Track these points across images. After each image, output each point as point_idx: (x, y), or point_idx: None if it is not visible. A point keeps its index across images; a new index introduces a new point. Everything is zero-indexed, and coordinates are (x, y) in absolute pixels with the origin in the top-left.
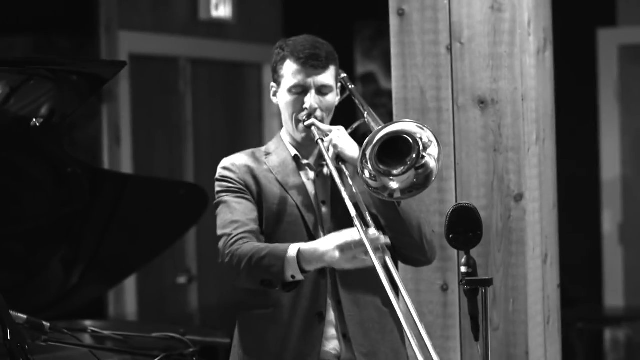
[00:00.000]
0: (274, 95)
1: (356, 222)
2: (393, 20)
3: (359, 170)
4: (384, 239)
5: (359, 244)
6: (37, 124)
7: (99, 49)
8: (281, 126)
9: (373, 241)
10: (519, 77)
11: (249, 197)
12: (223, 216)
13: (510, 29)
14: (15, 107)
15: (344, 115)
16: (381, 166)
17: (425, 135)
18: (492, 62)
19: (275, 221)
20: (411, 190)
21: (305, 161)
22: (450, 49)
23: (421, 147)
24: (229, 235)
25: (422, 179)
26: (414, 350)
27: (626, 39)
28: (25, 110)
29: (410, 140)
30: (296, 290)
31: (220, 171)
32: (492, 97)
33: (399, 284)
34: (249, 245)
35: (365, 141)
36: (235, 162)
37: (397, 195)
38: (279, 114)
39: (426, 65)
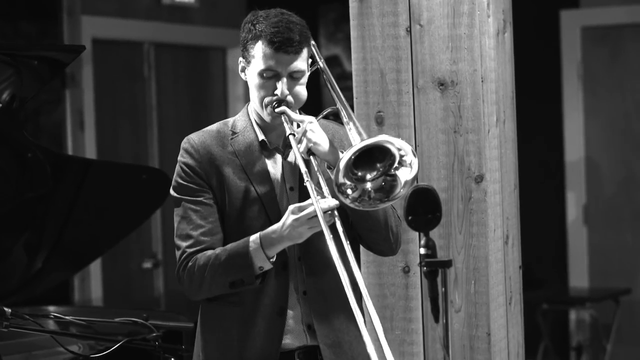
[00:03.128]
0: (242, 71)
1: (309, 187)
2: (352, 3)
3: (336, 180)
4: (334, 203)
5: (312, 210)
6: None
7: (62, 34)
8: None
9: (323, 204)
10: (479, 59)
11: (208, 196)
12: (179, 224)
13: (469, 10)
14: None
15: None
16: (357, 172)
17: (405, 152)
18: (451, 44)
19: (237, 217)
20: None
21: (273, 146)
22: (409, 31)
23: (396, 158)
24: (183, 252)
25: (388, 187)
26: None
27: (589, 21)
28: None
29: (386, 150)
30: (258, 289)
31: (182, 154)
32: (451, 79)
33: (348, 252)
34: (204, 256)
35: (343, 157)
36: (198, 147)
37: (374, 197)
38: (244, 98)
39: (386, 47)
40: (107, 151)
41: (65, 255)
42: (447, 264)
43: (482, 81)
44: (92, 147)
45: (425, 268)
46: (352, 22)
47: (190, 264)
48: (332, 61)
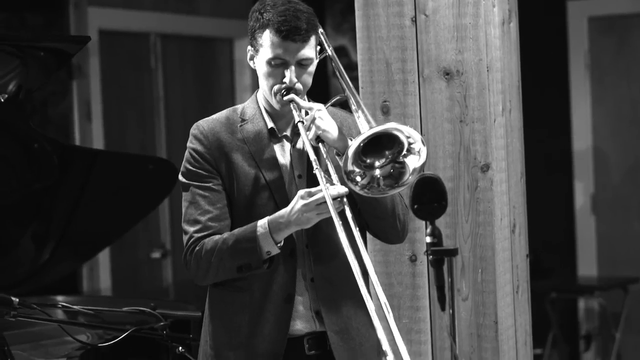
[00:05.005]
0: (251, 59)
1: (318, 174)
2: None
3: (345, 167)
4: (343, 190)
5: (321, 196)
6: (3, 100)
7: (69, 25)
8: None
9: (332, 190)
10: (484, 48)
11: (216, 182)
12: (187, 209)
13: (474, 0)
14: None
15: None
16: (366, 160)
17: (414, 139)
18: (456, 33)
19: (245, 204)
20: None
21: (282, 133)
22: (415, 20)
23: (405, 146)
24: (190, 237)
25: (397, 174)
26: (367, 307)
27: (596, 11)
28: None
29: (395, 137)
30: (266, 275)
31: (190, 140)
32: (457, 68)
33: (357, 239)
34: (211, 241)
35: (352, 144)
36: (207, 133)
37: (382, 185)
38: (252, 88)
39: (391, 37)
40: (114, 142)
41: (73, 245)
42: (453, 252)
43: (487, 70)
44: (99, 138)
45: (431, 256)
46: (358, 12)
47: (197, 248)
48: (339, 52)
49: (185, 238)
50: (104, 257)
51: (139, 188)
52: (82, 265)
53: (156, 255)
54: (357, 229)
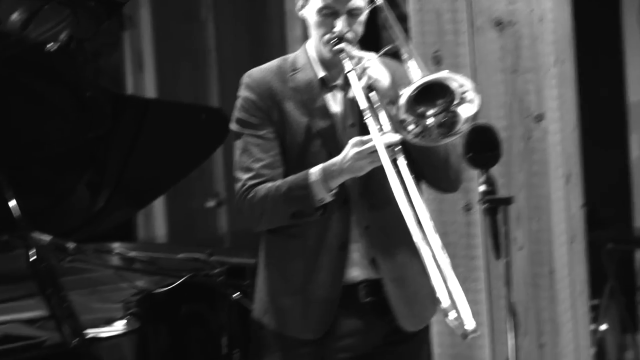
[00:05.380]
0: (301, 9)
1: (370, 122)
2: None
3: (398, 116)
4: (396, 137)
5: (374, 144)
6: (55, 50)
7: None
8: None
9: (384, 139)
10: None
11: (269, 130)
12: (240, 157)
13: None
14: (33, 33)
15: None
16: (418, 108)
17: (466, 88)
18: None
19: (298, 152)
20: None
21: (333, 83)
22: None
23: (457, 95)
24: (243, 184)
25: (449, 123)
26: (421, 255)
27: None
28: (43, 37)
29: (447, 86)
30: (321, 222)
31: (242, 89)
32: (509, 18)
33: (411, 187)
34: (264, 188)
35: (404, 92)
36: (259, 82)
37: (435, 133)
38: (302, 40)
39: None
40: (166, 93)
41: (127, 193)
42: (508, 201)
43: (539, 21)
44: (151, 89)
45: (485, 205)
46: None
47: (250, 195)
48: (390, 3)
49: (238, 185)
50: (159, 205)
51: (192, 137)
52: (137, 214)
53: (211, 204)
54: (412, 177)
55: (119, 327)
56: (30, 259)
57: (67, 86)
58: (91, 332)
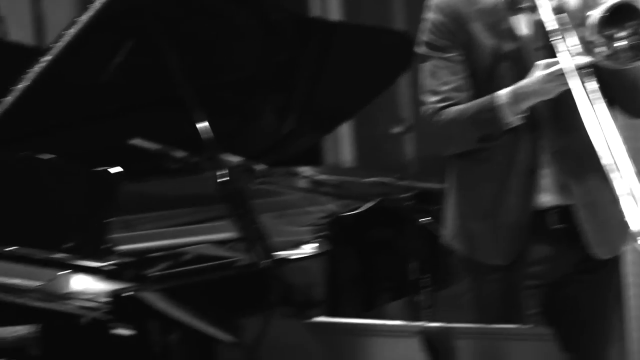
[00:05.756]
0: None
1: (558, 44)
2: None
3: (587, 38)
4: (585, 60)
5: (561, 67)
6: None
7: None
8: None
9: (574, 61)
10: None
11: (457, 52)
12: (427, 80)
13: None
14: None
15: None
16: (608, 31)
17: None
18: None
19: (485, 75)
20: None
21: (521, 5)
22: None
23: None
24: (429, 107)
25: (639, 46)
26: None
27: None
28: None
29: (636, 9)
30: (509, 147)
31: (429, 11)
32: None
33: (601, 111)
34: (451, 111)
35: (594, 14)
36: (446, 4)
37: (625, 56)
38: None
39: None
40: (352, 15)
41: (313, 118)
42: None
43: None
44: (335, 12)
45: None
46: None
47: (437, 118)
48: None
49: (424, 108)
50: (345, 130)
51: (377, 62)
52: (324, 139)
53: (398, 129)
54: (603, 100)
55: (308, 249)
56: (221, 180)
57: (252, 9)
58: (281, 254)
